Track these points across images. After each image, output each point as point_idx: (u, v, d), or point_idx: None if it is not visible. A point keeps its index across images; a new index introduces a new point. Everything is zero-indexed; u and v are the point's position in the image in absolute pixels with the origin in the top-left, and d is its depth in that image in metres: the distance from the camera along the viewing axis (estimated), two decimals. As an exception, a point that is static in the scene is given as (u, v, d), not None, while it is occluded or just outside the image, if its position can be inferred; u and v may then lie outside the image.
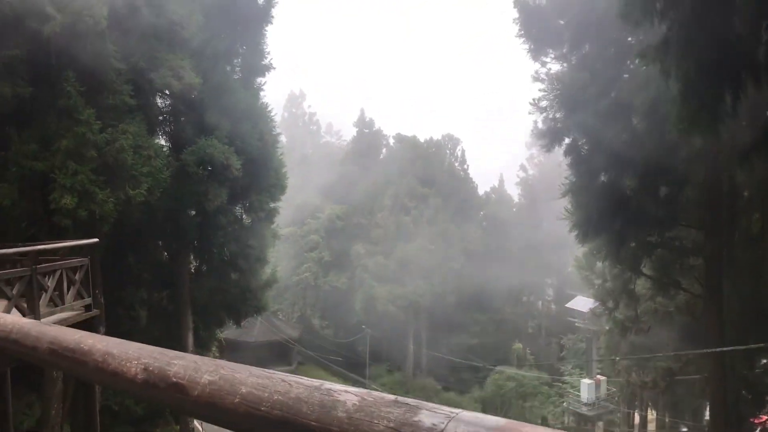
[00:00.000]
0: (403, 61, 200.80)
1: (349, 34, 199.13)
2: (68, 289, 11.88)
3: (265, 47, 26.87)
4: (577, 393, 47.55)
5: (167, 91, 24.59)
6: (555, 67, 23.51)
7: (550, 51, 23.05)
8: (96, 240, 12.69)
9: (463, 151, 66.50)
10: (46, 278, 11.20)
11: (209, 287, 26.52)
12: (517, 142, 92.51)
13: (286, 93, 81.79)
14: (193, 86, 20.90)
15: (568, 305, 48.40)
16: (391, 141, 69.71)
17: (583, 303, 46.95)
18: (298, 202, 59.04)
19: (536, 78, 24.05)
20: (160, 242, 27.30)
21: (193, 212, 26.24)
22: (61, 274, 11.57)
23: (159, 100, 25.11)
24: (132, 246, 25.26)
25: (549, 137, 14.32)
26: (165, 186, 20.87)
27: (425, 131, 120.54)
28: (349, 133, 79.57)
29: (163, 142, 25.40)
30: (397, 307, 54.47)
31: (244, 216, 28.07)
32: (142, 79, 20.64)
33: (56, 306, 11.48)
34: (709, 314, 20.76)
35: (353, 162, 66.88)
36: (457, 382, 60.00)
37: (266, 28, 26.63)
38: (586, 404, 45.17)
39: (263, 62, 27.15)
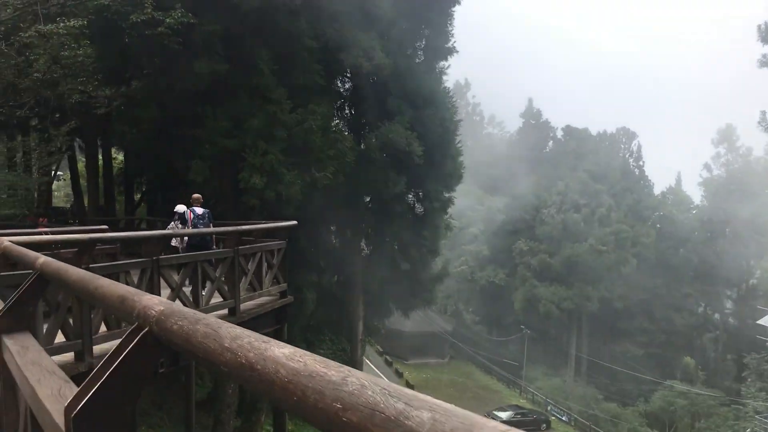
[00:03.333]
0: (574, 48, 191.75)
1: (516, 19, 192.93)
2: (266, 273, 11.20)
3: (450, 29, 25.54)
4: (761, 419, 42.35)
5: (348, 74, 24.08)
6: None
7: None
8: (295, 222, 11.96)
9: (639, 147, 61.73)
10: (247, 261, 10.55)
11: (380, 276, 25.78)
12: (701, 139, 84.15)
13: (452, 82, 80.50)
14: (383, 67, 19.99)
15: (759, 321, 42.98)
16: (559, 133, 66.20)
17: (777, 321, 41.53)
18: (457, 193, 57.55)
19: (764, 62, 20.91)
20: (334, 227, 26.94)
21: (368, 199, 25.65)
22: (260, 257, 10.90)
23: (338, 83, 24.67)
24: (306, 229, 25.07)
25: None
26: (348, 170, 20.22)
27: (596, 123, 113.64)
28: (512, 124, 76.89)
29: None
30: (561, 310, 51.44)
31: (416, 205, 27.03)
32: (332, 58, 20.08)
33: (254, 290, 10.82)
34: None
35: (517, 154, 64.28)
36: (619, 393, 55.95)
37: (453, 9, 25.27)
38: (773, 433, 40.04)
39: (447, 45, 25.83)
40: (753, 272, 62.91)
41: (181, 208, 12.32)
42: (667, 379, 54.30)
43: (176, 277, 8.86)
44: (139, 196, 30.44)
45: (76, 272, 2.63)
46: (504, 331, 61.84)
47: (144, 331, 1.77)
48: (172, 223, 12.51)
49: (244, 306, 10.35)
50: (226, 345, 1.33)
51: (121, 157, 32.16)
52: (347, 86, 25.54)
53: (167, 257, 8.59)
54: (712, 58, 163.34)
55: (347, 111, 26.02)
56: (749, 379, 54.06)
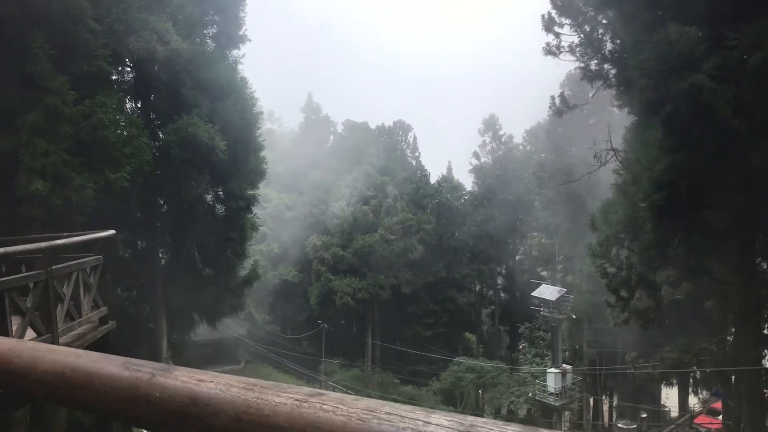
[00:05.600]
0: (349, 44, 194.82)
1: (288, 15, 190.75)
2: (84, 297, 9.11)
3: (243, 15, 23.99)
4: (539, 382, 46.87)
5: (129, 62, 21.51)
6: (571, 38, 22.03)
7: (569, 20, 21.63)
8: (113, 232, 9.91)
9: (414, 138, 64.83)
10: (62, 284, 8.44)
11: (184, 286, 23.46)
12: (470, 129, 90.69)
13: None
14: (181, 52, 17.98)
15: (534, 294, 47.20)
16: (340, 128, 67.12)
17: (549, 291, 46.02)
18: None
19: (548, 51, 22.49)
20: (124, 235, 23.97)
21: (162, 201, 23.28)
22: (77, 278, 8.81)
23: (124, 72, 21.92)
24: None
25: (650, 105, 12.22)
26: (147, 170, 17.90)
27: (372, 118, 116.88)
28: (292, 120, 76.43)
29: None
30: (357, 300, 52.12)
31: (217, 205, 25.14)
32: (119, 43, 17.56)
33: (73, 319, 8.71)
34: (742, 301, 19.80)
35: (301, 150, 63.89)
36: (414, 375, 58.47)
37: (245, -6, 23.76)
38: (552, 394, 44.31)
39: (240, 33, 24.26)
40: (518, 249, 69.55)
41: None
42: (455, 356, 57.82)
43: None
44: None
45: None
46: (300, 328, 61.35)
47: None
48: None
49: (63, 340, 8.26)
50: None
51: None
52: (130, 76, 22.80)
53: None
54: (496, 52, 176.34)
55: (132, 103, 23.28)
56: (522, 347, 59.66)
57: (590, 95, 21.70)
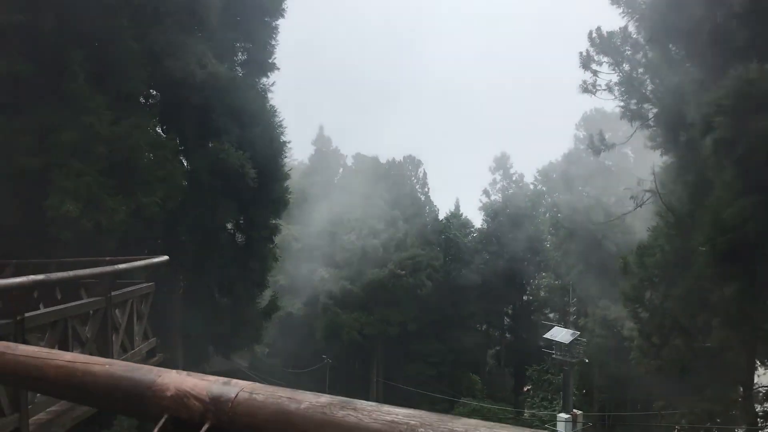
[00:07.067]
0: (358, 76, 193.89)
1: (298, 45, 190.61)
2: (136, 326, 8.46)
3: (274, 43, 23.72)
4: (549, 427, 45.69)
5: (161, 82, 21.06)
6: (609, 76, 21.71)
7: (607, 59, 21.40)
8: (167, 258, 9.32)
9: (424, 174, 64.42)
10: (118, 312, 7.79)
11: (201, 316, 22.67)
12: (481, 166, 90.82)
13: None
14: (219, 76, 17.56)
15: (546, 336, 46.26)
16: (349, 161, 66.81)
17: (562, 334, 45.12)
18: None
19: (585, 88, 22.19)
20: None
21: (185, 227, 22.62)
22: (132, 306, 8.17)
23: (155, 94, 21.49)
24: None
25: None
26: (180, 195, 17.35)
27: (382, 151, 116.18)
28: (301, 152, 76.13)
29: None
30: (364, 336, 51.17)
31: (237, 234, 24.53)
32: (155, 64, 17.15)
33: (125, 351, 8.04)
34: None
35: (309, 181, 63.42)
36: (416, 416, 57.03)
37: (278, 22, 23.54)
38: (562, 441, 43.09)
39: (270, 60, 23.97)
40: (526, 290, 68.64)
41: None
42: (458, 396, 56.56)
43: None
44: None
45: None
46: (302, 362, 60.15)
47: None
48: None
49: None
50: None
51: None
52: (159, 99, 22.38)
53: (33, 315, 5.74)
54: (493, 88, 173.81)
55: (160, 127, 22.85)
56: (527, 389, 58.38)
57: (629, 135, 21.30)
